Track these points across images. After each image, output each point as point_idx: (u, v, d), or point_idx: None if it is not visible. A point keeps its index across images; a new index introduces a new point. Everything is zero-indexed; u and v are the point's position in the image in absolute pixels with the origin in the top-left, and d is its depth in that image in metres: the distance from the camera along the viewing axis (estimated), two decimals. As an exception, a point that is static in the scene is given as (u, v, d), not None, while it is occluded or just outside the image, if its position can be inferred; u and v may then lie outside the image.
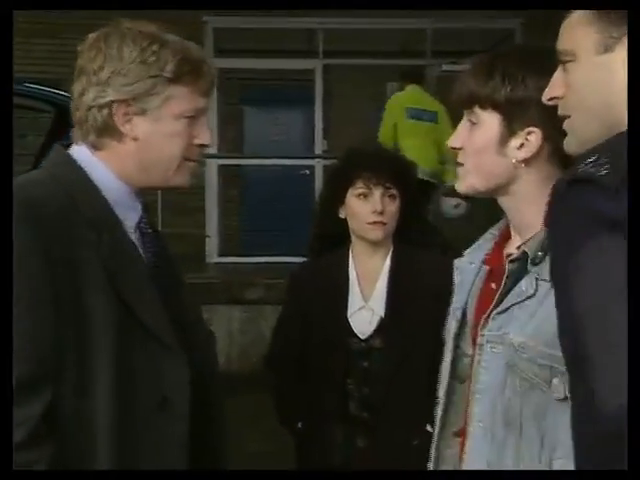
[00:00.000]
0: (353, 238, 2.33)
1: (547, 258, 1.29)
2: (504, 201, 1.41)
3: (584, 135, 1.16)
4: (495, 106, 1.35)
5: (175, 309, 1.47)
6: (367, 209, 2.24)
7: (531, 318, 1.31)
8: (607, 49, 1.10)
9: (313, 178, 7.63)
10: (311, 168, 7.94)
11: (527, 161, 1.35)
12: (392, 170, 2.25)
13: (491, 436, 1.34)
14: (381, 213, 2.24)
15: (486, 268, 1.46)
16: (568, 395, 1.15)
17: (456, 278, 1.53)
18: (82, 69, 1.42)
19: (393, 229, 2.30)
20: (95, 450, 1.33)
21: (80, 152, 1.45)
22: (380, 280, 2.29)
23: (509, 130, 1.35)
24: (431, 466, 1.53)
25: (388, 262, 2.30)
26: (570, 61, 1.16)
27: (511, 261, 1.38)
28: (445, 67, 7.46)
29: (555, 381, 1.26)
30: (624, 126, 1.08)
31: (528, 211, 1.37)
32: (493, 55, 1.42)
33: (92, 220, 1.37)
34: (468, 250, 1.54)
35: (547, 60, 1.26)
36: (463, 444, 1.43)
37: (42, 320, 1.29)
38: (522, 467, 1.30)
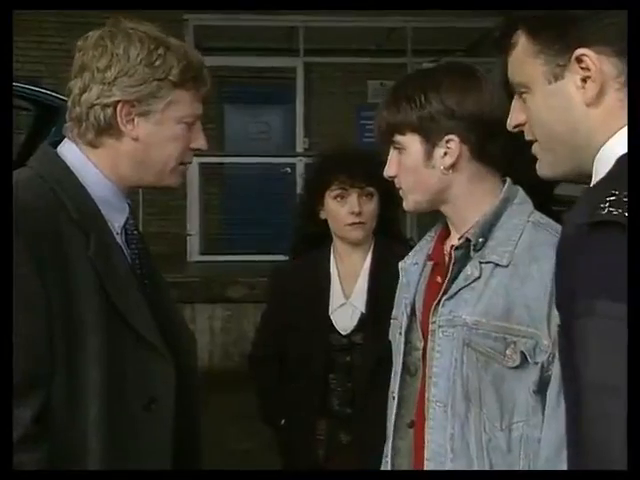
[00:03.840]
0: (334, 238, 2.36)
1: (487, 243, 1.48)
2: (442, 208, 1.57)
3: (553, 158, 1.16)
4: (411, 129, 1.51)
5: (160, 311, 1.48)
6: (345, 210, 2.27)
7: (480, 298, 1.46)
8: (557, 77, 1.11)
9: (294, 176, 7.63)
10: (292, 166, 7.94)
11: (453, 166, 1.51)
12: (367, 170, 2.27)
13: (451, 413, 1.46)
14: (359, 214, 2.26)
15: (430, 264, 1.61)
16: (528, 361, 1.38)
17: (402, 279, 1.68)
18: (84, 66, 1.41)
19: (373, 227, 2.32)
20: (85, 451, 1.34)
21: (69, 151, 1.44)
22: (361, 277, 2.31)
23: (430, 144, 1.51)
24: (388, 459, 1.63)
25: (369, 259, 2.32)
26: (525, 92, 1.17)
27: (456, 249, 1.51)
28: (425, 65, 7.48)
29: (508, 351, 1.41)
30: (592, 147, 1.10)
31: (464, 209, 1.53)
32: (395, 86, 1.60)
33: (80, 221, 1.37)
34: (410, 253, 1.69)
35: (443, 75, 1.52)
36: (418, 433, 1.54)
37: (34, 325, 1.29)
38: (484, 436, 1.44)
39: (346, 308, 2.30)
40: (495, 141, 1.50)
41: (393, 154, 1.56)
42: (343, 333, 2.28)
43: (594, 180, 1.09)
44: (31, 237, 1.29)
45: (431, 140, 1.50)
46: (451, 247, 1.53)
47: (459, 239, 1.52)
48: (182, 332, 1.58)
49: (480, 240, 1.48)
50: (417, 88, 1.51)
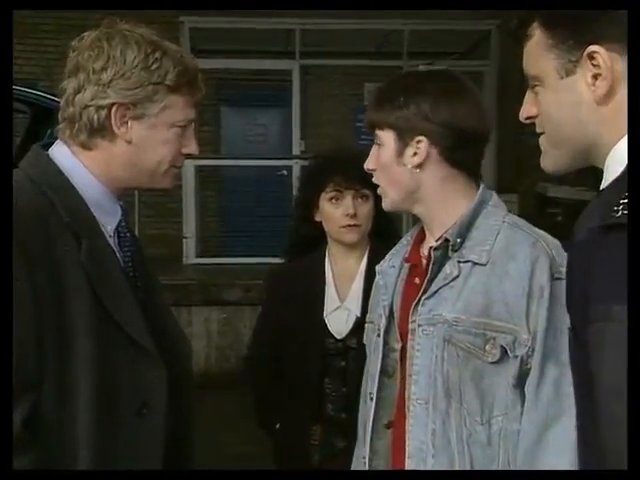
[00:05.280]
0: (329, 240, 2.35)
1: (465, 244, 1.54)
2: (416, 209, 1.63)
3: (558, 152, 1.17)
4: (389, 125, 1.60)
5: (153, 314, 1.48)
6: (340, 212, 2.26)
7: (459, 295, 1.51)
8: (568, 73, 1.12)
9: (291, 179, 7.63)
10: (289, 169, 7.94)
11: (421, 166, 1.58)
12: (362, 172, 2.25)
13: (432, 409, 1.50)
14: (354, 216, 2.25)
15: (407, 266, 1.67)
16: (508, 356, 1.44)
17: (379, 282, 1.72)
18: (80, 66, 1.41)
19: (368, 229, 2.31)
20: (76, 455, 1.33)
21: (60, 153, 1.44)
22: (356, 280, 2.30)
23: (402, 143, 1.59)
24: (365, 461, 1.65)
25: (364, 262, 2.31)
26: (537, 85, 1.18)
27: (435, 249, 1.56)
28: (422, 68, 7.49)
29: (487, 347, 1.47)
30: (599, 145, 1.09)
31: (437, 210, 1.60)
32: (381, 85, 1.69)
33: (71, 225, 1.36)
34: (387, 256, 1.74)
35: (426, 80, 1.61)
36: (397, 433, 1.59)
37: (23, 329, 1.28)
38: (464, 431, 1.48)
39: (341, 312, 2.29)
40: (467, 148, 1.58)
41: (374, 149, 1.65)
42: (338, 337, 2.27)
43: (605, 180, 1.09)
44: (21, 241, 1.28)
45: (403, 138, 1.58)
46: (430, 248, 1.58)
47: (437, 240, 1.58)
48: (175, 335, 1.57)
49: (458, 240, 1.54)
50: (399, 90, 1.61)
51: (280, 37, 8.31)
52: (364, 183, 2.26)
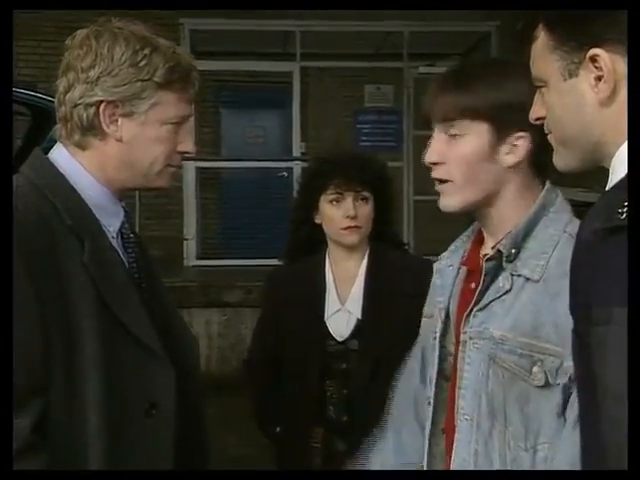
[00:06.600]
0: (329, 242, 2.35)
1: (520, 255, 1.39)
2: (483, 211, 1.45)
3: (566, 153, 1.17)
4: (482, 115, 1.38)
5: (159, 314, 1.47)
6: (340, 214, 2.26)
7: (509, 312, 1.38)
8: (571, 75, 1.11)
9: (291, 180, 7.63)
10: (289, 170, 7.94)
11: (515, 165, 1.40)
12: (362, 174, 2.27)
13: (477, 427, 1.40)
14: (354, 217, 2.25)
15: (464, 269, 1.52)
16: (550, 382, 1.30)
17: (436, 281, 1.59)
18: (69, 65, 1.40)
19: (368, 231, 2.31)
20: (86, 457, 1.33)
21: (60, 156, 1.43)
22: (357, 282, 2.30)
23: (499, 137, 1.39)
24: (424, 464, 1.57)
25: (365, 264, 2.31)
26: (543, 86, 1.18)
27: (487, 260, 1.43)
28: (422, 70, 7.50)
29: (535, 369, 1.34)
30: (604, 146, 1.09)
31: (507, 215, 1.43)
32: (465, 67, 1.49)
33: (74, 227, 1.36)
34: (445, 253, 1.59)
35: (520, 66, 1.29)
36: (449, 439, 1.48)
37: (29, 334, 1.28)
38: (508, 454, 1.37)
39: (341, 314, 2.29)
40: (551, 146, 1.39)
41: (440, 139, 1.43)
42: (339, 339, 2.27)
43: (611, 180, 1.09)
44: (23, 246, 1.28)
45: (501, 132, 1.39)
46: (483, 256, 1.46)
47: (492, 248, 1.44)
48: (183, 335, 1.57)
49: (513, 251, 1.40)
50: (496, 74, 1.40)
51: (280, 39, 8.32)
52: (364, 185, 2.26)
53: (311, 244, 2.37)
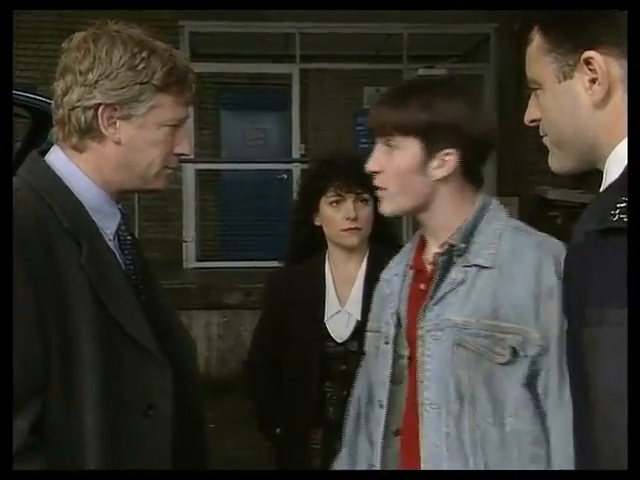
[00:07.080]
0: (329, 244, 2.35)
1: (470, 248, 1.53)
2: (422, 215, 1.59)
3: (561, 154, 1.18)
4: (415, 132, 1.52)
5: (156, 315, 1.48)
6: (340, 216, 2.27)
7: (467, 299, 1.51)
8: (566, 77, 1.12)
9: (291, 182, 7.63)
10: (289, 172, 7.95)
11: (444, 178, 1.54)
12: (362, 176, 2.26)
13: (445, 413, 1.50)
14: (354, 219, 2.26)
15: (411, 272, 1.65)
16: (514, 358, 1.45)
17: (385, 290, 1.71)
18: (67, 68, 1.41)
19: (368, 233, 2.32)
20: (83, 458, 1.33)
21: (57, 159, 1.44)
22: (356, 284, 2.30)
23: (429, 152, 1.53)
24: (376, 468, 1.62)
25: (364, 266, 2.32)
26: (538, 88, 1.18)
27: (440, 255, 1.56)
28: (421, 72, 7.50)
29: (497, 348, 1.47)
30: (599, 148, 1.10)
31: (444, 219, 1.57)
32: (407, 86, 1.62)
33: (71, 229, 1.36)
34: (390, 264, 1.74)
35: (455, 87, 1.55)
36: (405, 439, 1.58)
37: (27, 336, 1.28)
38: (477, 432, 1.48)
39: (341, 315, 2.29)
40: (484, 161, 1.59)
41: (381, 150, 1.56)
42: (339, 341, 2.27)
43: (604, 182, 1.09)
44: (21, 249, 1.28)
45: (431, 149, 1.52)
46: (435, 254, 1.57)
47: (441, 246, 1.57)
48: (180, 336, 1.57)
49: (462, 245, 1.54)
50: (432, 95, 1.53)
51: (280, 41, 8.32)
52: (364, 187, 2.26)
53: (311, 246, 2.37)
